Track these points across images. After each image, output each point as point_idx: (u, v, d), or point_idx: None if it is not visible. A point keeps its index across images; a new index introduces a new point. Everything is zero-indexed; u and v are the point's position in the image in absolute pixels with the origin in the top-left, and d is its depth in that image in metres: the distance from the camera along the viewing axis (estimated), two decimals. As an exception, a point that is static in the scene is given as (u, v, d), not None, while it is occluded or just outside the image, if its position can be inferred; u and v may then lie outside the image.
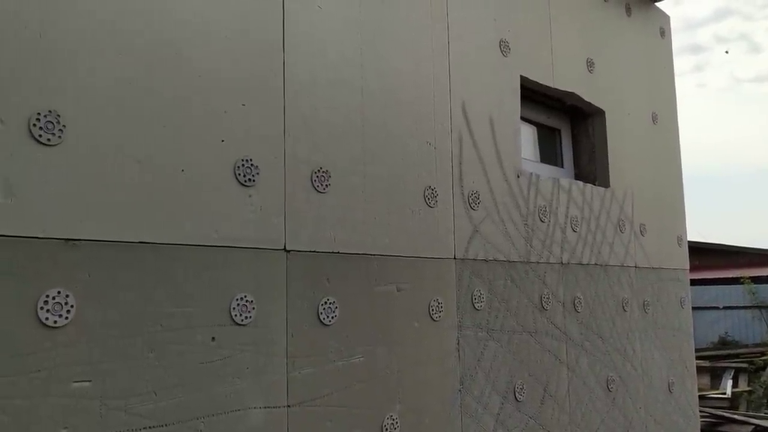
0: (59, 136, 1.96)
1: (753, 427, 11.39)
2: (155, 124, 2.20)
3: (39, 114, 1.93)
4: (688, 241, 5.52)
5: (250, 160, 2.44)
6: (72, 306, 1.94)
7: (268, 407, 2.41)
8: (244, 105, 2.45)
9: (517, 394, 3.55)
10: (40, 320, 1.88)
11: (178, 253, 2.22)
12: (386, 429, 2.83)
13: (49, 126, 1.94)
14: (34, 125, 1.91)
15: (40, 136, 1.92)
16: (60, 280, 1.93)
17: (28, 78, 1.92)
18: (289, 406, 2.48)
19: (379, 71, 3.01)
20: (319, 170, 2.68)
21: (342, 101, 2.83)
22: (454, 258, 3.28)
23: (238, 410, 2.31)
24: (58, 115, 1.96)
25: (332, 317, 2.67)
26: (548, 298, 3.86)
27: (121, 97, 2.12)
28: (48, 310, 1.89)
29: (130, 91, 2.14)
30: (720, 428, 11.55)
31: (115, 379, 2.02)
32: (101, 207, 2.04)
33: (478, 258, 3.43)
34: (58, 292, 1.92)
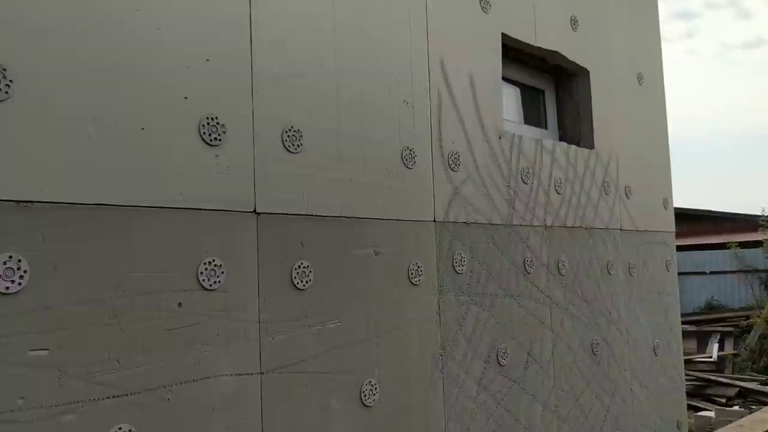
0: (6, 92, 1.84)
1: (738, 389, 11.51)
2: (112, 79, 2.07)
3: (-18, 67, 1.81)
4: (676, 208, 5.46)
5: (216, 118, 2.33)
6: (25, 271, 1.84)
7: (240, 374, 2.33)
8: (208, 60, 2.33)
9: (500, 359, 3.49)
10: (-9, 286, 1.79)
11: (141, 216, 2.11)
12: (365, 395, 2.76)
13: (-5, 80, 1.82)
14: (-22, 80, 1.80)
15: (-15, 91, 1.81)
16: (11, 244, 1.83)
17: (-31, 29, 1.80)
18: (262, 372, 2.40)
19: (353, 24, 2.88)
20: (290, 129, 2.57)
21: (314, 57, 2.71)
22: (434, 221, 3.20)
23: (208, 377, 2.23)
24: (4, 69, 1.84)
25: (306, 281, 2.58)
26: (531, 262, 3.80)
27: (75, 51, 2.00)
28: (-1, 276, 1.80)
29: (84, 44, 2.02)
30: (706, 391, 11.66)
31: (74, 347, 1.93)
32: (55, 167, 1.93)
33: (459, 221, 3.34)
34: (10, 257, 1.82)
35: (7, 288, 1.81)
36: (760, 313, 15.76)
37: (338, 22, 2.82)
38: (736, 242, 19.59)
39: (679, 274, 5.53)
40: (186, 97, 2.26)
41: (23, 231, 1.86)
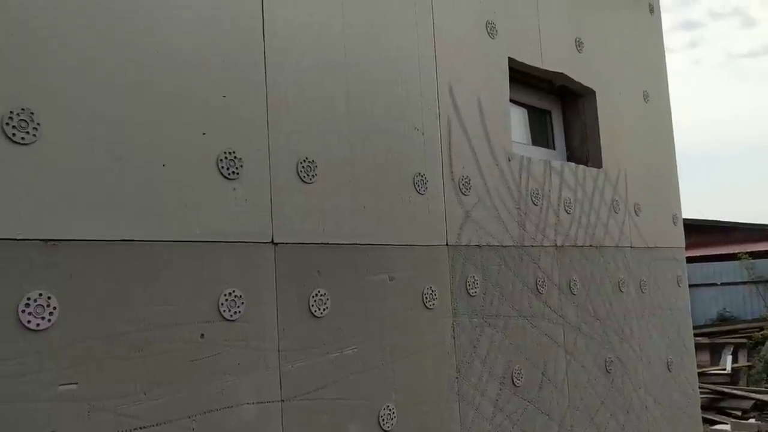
0: (34, 135, 1.91)
1: (753, 401, 11.43)
2: (133, 119, 2.15)
3: (12, 112, 1.87)
4: (685, 219, 5.48)
5: (233, 152, 2.40)
6: (55, 308, 1.90)
7: (262, 402, 2.38)
8: (224, 97, 2.40)
9: (515, 379, 3.52)
10: (23, 323, 1.84)
11: (163, 250, 2.17)
12: (383, 419, 2.80)
13: (23, 124, 1.89)
14: (7, 124, 1.86)
15: (14, 135, 1.87)
16: (41, 281, 1.89)
17: (-1, 76, 1.87)
18: (282, 400, 2.45)
19: (363, 56, 2.96)
20: (305, 160, 2.64)
21: (326, 89, 2.78)
22: (447, 244, 3.25)
23: (231, 406, 2.28)
24: (32, 113, 1.91)
25: (324, 309, 2.63)
26: (543, 282, 3.83)
27: (98, 93, 2.07)
28: (30, 313, 1.85)
29: (107, 87, 2.09)
30: (721, 404, 11.59)
31: (102, 380, 1.99)
32: (81, 205, 1.99)
33: (471, 244, 3.39)
34: (40, 294, 1.88)
35: (38, 325, 1.87)
36: (774, 324, 15.67)
37: (349, 55, 2.89)
38: (747, 252, 19.52)
39: (690, 285, 5.54)
40: (204, 133, 2.33)
41: (51, 268, 1.92)
